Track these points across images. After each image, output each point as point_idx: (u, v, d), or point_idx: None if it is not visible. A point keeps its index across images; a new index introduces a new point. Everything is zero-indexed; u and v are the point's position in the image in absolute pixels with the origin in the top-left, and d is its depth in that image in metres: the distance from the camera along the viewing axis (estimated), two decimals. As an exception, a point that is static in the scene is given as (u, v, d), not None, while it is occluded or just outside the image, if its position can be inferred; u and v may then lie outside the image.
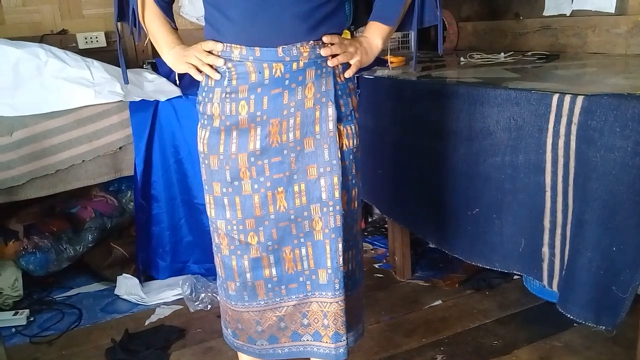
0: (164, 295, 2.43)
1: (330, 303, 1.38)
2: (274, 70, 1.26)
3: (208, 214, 1.41)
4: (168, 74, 2.55)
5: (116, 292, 2.48)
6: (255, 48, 1.25)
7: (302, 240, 1.37)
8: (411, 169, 2.01)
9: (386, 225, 2.78)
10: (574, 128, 1.36)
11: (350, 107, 1.36)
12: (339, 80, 1.34)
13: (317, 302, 1.41)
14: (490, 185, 1.63)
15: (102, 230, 2.64)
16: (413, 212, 2.09)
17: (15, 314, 2.30)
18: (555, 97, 1.40)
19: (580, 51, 2.47)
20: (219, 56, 1.29)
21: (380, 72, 2.32)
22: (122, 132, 2.38)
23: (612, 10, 2.32)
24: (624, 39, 2.27)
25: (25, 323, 2.28)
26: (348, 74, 1.36)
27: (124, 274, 2.49)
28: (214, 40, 1.29)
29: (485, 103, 1.61)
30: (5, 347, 1.83)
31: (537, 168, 1.48)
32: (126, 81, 1.53)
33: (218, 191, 1.35)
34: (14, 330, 2.24)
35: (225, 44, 1.27)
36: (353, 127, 1.37)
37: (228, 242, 1.38)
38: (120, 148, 2.41)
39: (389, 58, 2.57)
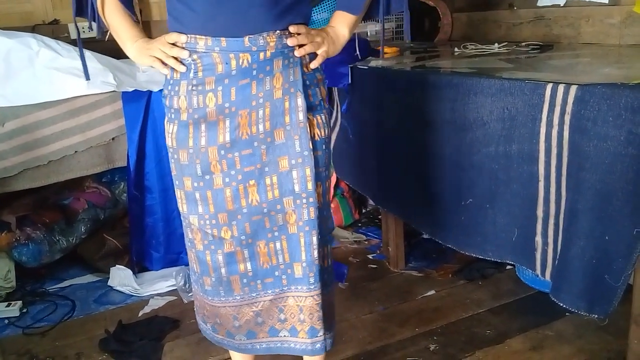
0: (157, 287, 2.43)
1: (306, 297, 1.38)
2: (240, 61, 1.24)
3: (180, 209, 1.39)
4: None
5: (109, 283, 2.47)
6: (221, 38, 1.22)
7: (276, 234, 1.36)
8: (405, 160, 2.01)
9: (380, 216, 2.78)
10: (567, 118, 1.36)
11: (319, 97, 1.36)
12: (306, 70, 1.32)
13: (293, 296, 1.39)
14: (484, 175, 1.64)
15: (95, 222, 2.63)
16: (407, 203, 2.09)
17: (8, 305, 2.29)
18: (549, 87, 1.40)
19: (574, 41, 2.47)
20: (183, 48, 1.26)
21: (374, 63, 2.31)
22: (114, 122, 2.37)
23: (606, 1, 2.31)
24: (618, 30, 2.28)
25: (18, 314, 2.27)
26: (314, 64, 1.34)
27: (117, 265, 2.49)
28: (177, 32, 1.26)
29: (479, 93, 1.61)
30: (-2, 338, 1.83)
31: (531, 158, 1.48)
32: (87, 77, 1.50)
33: (189, 186, 1.33)
34: (6, 321, 2.24)
35: (189, 36, 1.25)
36: (323, 116, 1.36)
37: (202, 237, 1.36)
38: (113, 139, 2.39)
39: (383, 48, 2.58)
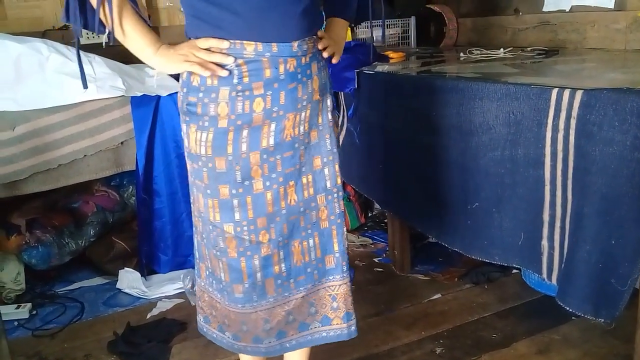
0: (165, 289, 2.45)
1: (339, 285, 1.44)
2: (288, 65, 1.26)
3: (210, 218, 1.33)
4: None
5: (118, 285, 2.49)
6: (272, 44, 1.23)
7: (309, 231, 1.40)
8: (411, 164, 2.02)
9: (386, 220, 2.79)
10: (573, 122, 1.37)
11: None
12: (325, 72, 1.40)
13: (324, 288, 1.44)
14: (490, 179, 1.64)
15: (104, 225, 2.65)
16: (413, 207, 2.10)
17: (18, 307, 2.31)
18: (555, 92, 1.41)
19: (580, 47, 2.48)
20: (224, 53, 1.23)
21: (381, 68, 2.33)
22: (123, 126, 2.39)
23: (612, 6, 2.32)
24: (623, 35, 2.28)
25: (27, 316, 2.29)
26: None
27: (125, 268, 2.51)
28: (213, 37, 1.23)
29: (485, 98, 1.62)
30: (7, 340, 1.83)
31: (537, 162, 1.49)
32: (85, 86, 1.40)
33: (226, 193, 1.30)
34: (16, 323, 2.25)
35: (232, 41, 1.22)
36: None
37: (237, 244, 1.33)
38: (122, 143, 2.42)
39: (390, 54, 2.60)
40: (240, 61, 1.23)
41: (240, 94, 1.24)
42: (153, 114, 2.39)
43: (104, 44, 1.28)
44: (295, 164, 1.33)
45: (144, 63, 2.83)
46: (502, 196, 1.61)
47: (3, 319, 2.20)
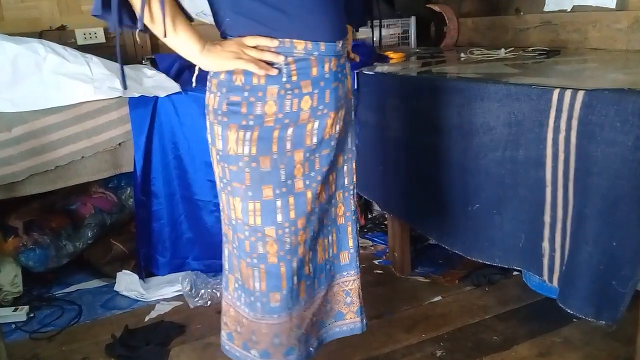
0: (163, 292, 2.43)
1: (353, 280, 1.48)
2: (331, 64, 1.27)
3: (250, 222, 1.29)
4: (167, 70, 2.54)
5: (116, 288, 2.48)
6: (321, 43, 1.24)
7: (329, 228, 1.42)
8: (411, 165, 2.01)
9: (386, 222, 2.78)
10: (574, 123, 1.36)
11: None
12: None
13: (338, 284, 1.47)
14: (491, 180, 1.64)
15: (102, 227, 2.64)
16: (413, 208, 2.09)
17: (15, 310, 2.30)
18: (556, 92, 1.40)
19: (581, 47, 2.47)
20: (273, 52, 1.21)
21: (380, 68, 2.32)
22: (121, 128, 2.38)
23: (613, 6, 2.31)
24: (625, 35, 2.27)
25: (25, 319, 2.28)
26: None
27: (123, 270, 2.49)
28: (261, 35, 1.21)
29: (486, 98, 1.61)
30: (5, 343, 1.83)
31: (538, 163, 1.48)
32: (124, 87, 1.34)
33: (269, 194, 1.27)
34: (13, 326, 2.24)
35: (281, 40, 1.21)
36: None
37: (278, 249, 1.30)
38: (119, 144, 2.40)
39: (390, 54, 2.59)
40: (289, 59, 1.22)
41: (289, 92, 1.24)
42: (151, 115, 2.37)
43: (137, 39, 1.26)
44: (330, 161, 1.34)
45: (141, 63, 2.83)
46: (503, 197, 1.61)
47: (0, 321, 2.20)
